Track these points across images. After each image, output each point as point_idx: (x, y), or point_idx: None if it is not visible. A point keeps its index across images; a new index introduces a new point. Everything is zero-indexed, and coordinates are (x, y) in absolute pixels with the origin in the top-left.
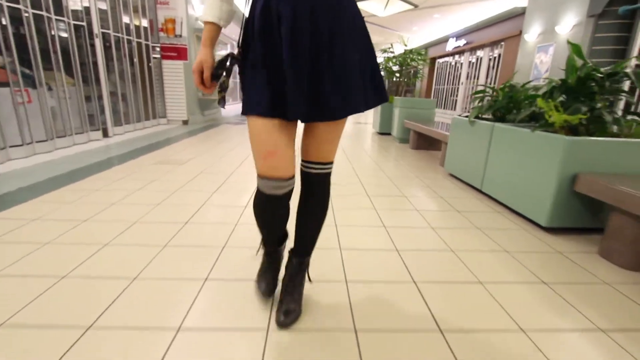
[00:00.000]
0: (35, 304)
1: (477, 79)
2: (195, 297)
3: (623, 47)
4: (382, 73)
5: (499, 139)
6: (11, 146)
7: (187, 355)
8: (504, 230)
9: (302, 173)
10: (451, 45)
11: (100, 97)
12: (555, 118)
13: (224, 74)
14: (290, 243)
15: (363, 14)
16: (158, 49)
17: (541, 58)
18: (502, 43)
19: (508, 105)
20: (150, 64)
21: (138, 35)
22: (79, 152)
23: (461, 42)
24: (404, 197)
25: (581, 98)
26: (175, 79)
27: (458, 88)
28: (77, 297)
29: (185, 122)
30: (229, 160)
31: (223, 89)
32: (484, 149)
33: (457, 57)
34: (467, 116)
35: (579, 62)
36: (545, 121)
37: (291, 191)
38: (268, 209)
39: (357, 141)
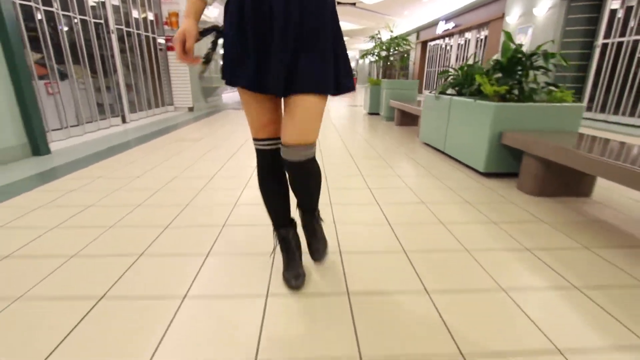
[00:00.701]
0: (87, 248)
1: (467, 60)
2: (214, 239)
3: (593, 27)
4: (373, 58)
5: (455, 109)
6: (53, 130)
7: (194, 320)
8: (455, 178)
9: (286, 164)
10: (441, 28)
11: (117, 88)
12: (487, 89)
13: (210, 46)
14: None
15: (350, 10)
16: (163, 41)
17: (521, 39)
18: (488, 25)
19: (464, 81)
20: (157, 56)
21: (146, 29)
22: (106, 135)
23: (450, 25)
24: (386, 164)
25: (511, 74)
26: (181, 69)
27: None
28: (122, 242)
29: (190, 109)
30: (234, 139)
31: (207, 60)
32: (445, 118)
33: (447, 39)
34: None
35: (512, 46)
36: (482, 92)
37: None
38: (266, 171)
39: (348, 121)
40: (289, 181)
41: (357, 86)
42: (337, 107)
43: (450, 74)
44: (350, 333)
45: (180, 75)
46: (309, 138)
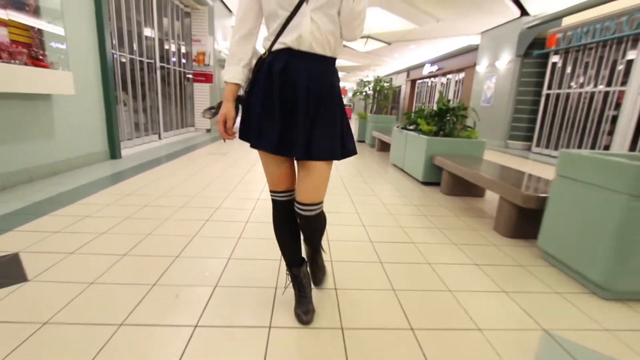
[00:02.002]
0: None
1: (447, 97)
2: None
3: (540, 80)
4: (361, 96)
5: (409, 140)
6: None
7: (205, 348)
8: (405, 185)
9: (299, 216)
10: (427, 69)
11: (157, 111)
12: (424, 128)
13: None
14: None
15: (347, 51)
16: (191, 75)
17: (488, 85)
18: (464, 70)
19: (416, 120)
20: (184, 85)
21: (179, 65)
22: (151, 147)
23: (434, 68)
24: (363, 180)
25: (441, 117)
26: (203, 97)
27: (434, 105)
28: (178, 229)
29: (208, 130)
30: (253, 154)
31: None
32: (403, 145)
33: (432, 79)
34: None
35: (443, 101)
36: (422, 129)
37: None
38: (281, 218)
39: None
40: (300, 226)
41: (353, 116)
42: None
43: (411, 113)
44: None
45: (202, 102)
46: (320, 198)
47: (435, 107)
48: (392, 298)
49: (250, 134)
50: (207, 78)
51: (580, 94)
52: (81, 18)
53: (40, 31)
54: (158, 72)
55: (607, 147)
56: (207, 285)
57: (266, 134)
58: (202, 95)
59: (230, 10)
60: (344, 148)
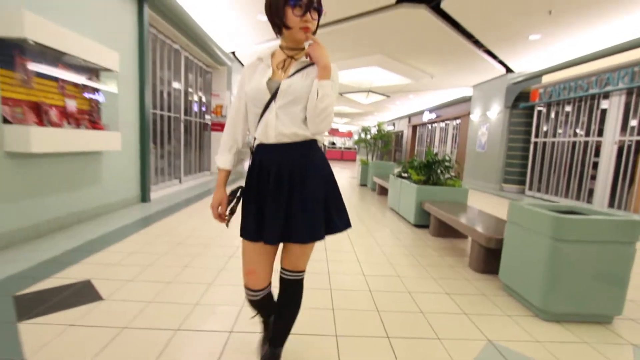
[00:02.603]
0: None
1: (445, 142)
2: None
3: (529, 129)
4: (363, 144)
5: (402, 186)
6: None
7: None
8: (398, 227)
9: (280, 277)
10: (426, 116)
11: (179, 157)
12: (414, 177)
13: (234, 200)
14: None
15: (350, 103)
16: (209, 124)
17: (482, 132)
18: (460, 118)
19: (409, 169)
20: (202, 133)
21: (199, 117)
22: (174, 191)
23: (433, 115)
24: (362, 223)
25: (429, 168)
26: (218, 144)
27: (432, 150)
28: (207, 265)
29: None
30: None
31: (232, 212)
32: (398, 190)
33: (431, 125)
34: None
35: (431, 154)
36: (412, 178)
37: (266, 296)
38: (253, 306)
39: (345, 190)
40: (278, 293)
41: (357, 161)
42: (340, 178)
43: (403, 163)
44: None
45: (217, 148)
46: (302, 267)
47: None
48: (376, 317)
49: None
50: (223, 127)
51: (564, 142)
52: (128, 84)
53: (98, 98)
54: (182, 124)
55: (592, 191)
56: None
57: (245, 223)
58: (218, 142)
59: (243, 66)
60: (329, 224)
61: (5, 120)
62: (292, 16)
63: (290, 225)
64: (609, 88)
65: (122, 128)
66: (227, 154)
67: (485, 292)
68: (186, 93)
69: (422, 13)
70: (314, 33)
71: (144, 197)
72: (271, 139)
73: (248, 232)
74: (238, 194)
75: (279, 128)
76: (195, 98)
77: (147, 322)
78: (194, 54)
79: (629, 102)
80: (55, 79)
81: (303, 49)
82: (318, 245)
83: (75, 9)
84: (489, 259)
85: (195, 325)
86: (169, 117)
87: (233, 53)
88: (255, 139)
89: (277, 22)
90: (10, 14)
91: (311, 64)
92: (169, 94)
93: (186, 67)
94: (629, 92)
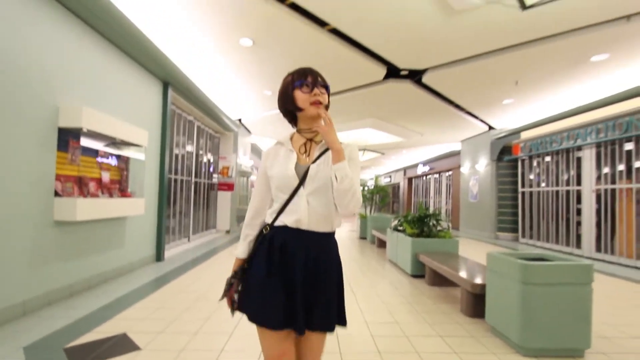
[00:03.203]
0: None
1: (440, 193)
2: None
3: (515, 179)
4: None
5: (399, 239)
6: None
7: None
8: (396, 279)
9: None
10: (420, 169)
11: (188, 217)
12: (408, 230)
13: (236, 280)
14: None
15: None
16: (216, 185)
17: (473, 183)
18: (452, 170)
19: (403, 223)
20: (209, 193)
21: (207, 178)
22: (185, 249)
23: (427, 168)
24: (363, 274)
25: (421, 222)
26: (224, 203)
27: (427, 201)
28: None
29: (227, 232)
30: None
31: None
32: (395, 243)
33: (426, 176)
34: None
35: (422, 209)
36: (406, 231)
37: None
38: None
39: (345, 243)
40: None
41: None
42: (340, 232)
43: (398, 217)
44: None
45: (223, 207)
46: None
47: (418, 213)
48: (378, 358)
49: (250, 306)
50: (229, 187)
51: (548, 191)
52: (151, 154)
53: (127, 170)
54: (192, 186)
55: (580, 237)
56: None
57: (267, 310)
58: (224, 200)
59: (249, 131)
60: (339, 318)
61: (56, 194)
62: (302, 95)
63: (314, 313)
64: (579, 143)
65: (144, 194)
66: (244, 242)
67: (474, 334)
68: (197, 157)
69: (407, 86)
70: (327, 108)
71: (159, 256)
72: (302, 226)
73: (273, 321)
74: (240, 275)
75: (311, 215)
76: (205, 160)
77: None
78: (205, 122)
79: (599, 154)
80: (95, 155)
81: (313, 130)
82: None
83: (116, 96)
84: (477, 303)
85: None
86: (181, 180)
87: (239, 120)
88: (274, 220)
89: (290, 107)
90: (73, 109)
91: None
92: (182, 158)
93: (197, 134)
94: (598, 146)
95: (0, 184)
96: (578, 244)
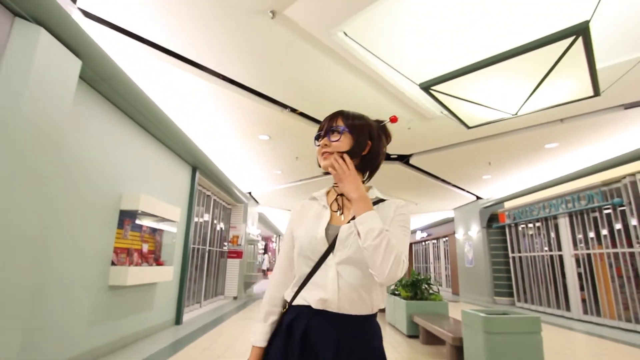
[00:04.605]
0: None
1: (439, 259)
2: None
3: (504, 245)
4: None
5: (395, 302)
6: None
7: None
8: (394, 339)
9: None
10: (419, 235)
11: (201, 283)
12: (403, 294)
13: None
14: None
15: None
16: (226, 252)
17: (467, 249)
18: (448, 236)
19: (398, 288)
20: (219, 261)
21: (218, 247)
22: (198, 314)
23: (425, 234)
24: None
25: (414, 286)
26: (233, 270)
27: (428, 266)
28: None
29: (235, 298)
30: None
31: None
32: (392, 306)
33: (425, 242)
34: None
35: (414, 274)
36: (401, 295)
37: None
38: None
39: None
40: None
41: None
42: None
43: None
44: None
45: (231, 274)
46: None
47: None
48: None
49: None
50: (238, 254)
51: (535, 256)
52: (178, 227)
53: (161, 241)
54: (206, 254)
55: (568, 299)
56: None
57: None
58: (233, 267)
59: (257, 202)
60: None
61: (112, 263)
62: (317, 149)
63: None
64: (554, 212)
65: (172, 262)
66: (263, 324)
67: None
68: (211, 227)
69: (398, 166)
70: (353, 155)
71: (178, 320)
72: (330, 305)
73: None
74: None
75: (342, 291)
76: (217, 229)
77: None
78: (220, 196)
79: (572, 223)
80: (139, 230)
81: None
82: None
83: (159, 181)
84: (459, 355)
85: None
86: (198, 250)
87: (249, 193)
88: (294, 295)
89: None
90: (132, 195)
91: (378, 201)
92: (198, 228)
93: (213, 207)
94: (570, 215)
95: (73, 256)
96: (568, 307)
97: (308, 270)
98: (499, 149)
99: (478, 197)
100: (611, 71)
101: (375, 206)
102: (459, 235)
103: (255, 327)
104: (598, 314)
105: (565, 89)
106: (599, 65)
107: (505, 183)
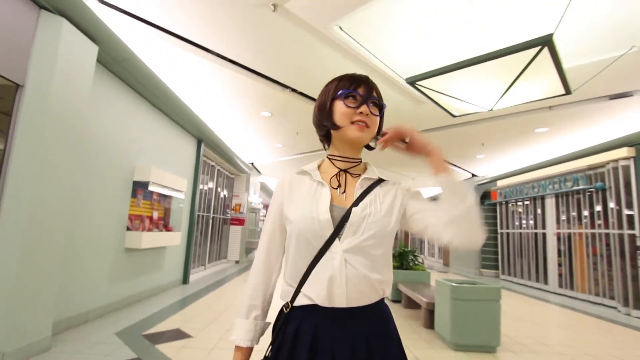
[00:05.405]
0: None
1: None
2: None
3: (495, 221)
4: None
5: None
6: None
7: None
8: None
9: None
10: None
11: (205, 248)
12: None
13: None
14: None
15: None
16: (229, 219)
17: None
18: None
19: None
20: (222, 227)
21: (222, 214)
22: (204, 275)
23: None
24: None
25: (401, 256)
26: (235, 236)
27: (423, 239)
28: None
29: (237, 262)
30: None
31: None
32: None
33: None
34: None
35: (402, 246)
36: None
37: None
38: None
39: None
40: None
41: None
42: None
43: None
44: None
45: (234, 239)
46: None
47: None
48: None
49: None
50: (240, 222)
51: (521, 233)
52: (186, 197)
53: (169, 209)
54: (210, 221)
55: (547, 273)
56: None
57: None
58: (235, 234)
59: (259, 172)
60: None
61: (127, 228)
62: (343, 109)
63: None
64: (542, 192)
65: (179, 227)
66: (244, 320)
67: (426, 339)
68: (215, 195)
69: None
70: (378, 138)
71: (185, 279)
72: (338, 300)
73: None
74: None
75: (351, 283)
76: (220, 197)
77: (223, 345)
78: (223, 166)
79: (558, 203)
80: (150, 199)
81: (360, 160)
82: None
83: (168, 154)
84: (431, 318)
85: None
86: (202, 216)
87: (252, 163)
88: (296, 292)
89: (326, 122)
90: (144, 167)
91: (379, 181)
92: (202, 196)
93: (217, 176)
94: (556, 196)
95: (96, 221)
96: (546, 281)
97: (309, 259)
98: (492, 131)
99: (473, 175)
100: (585, 69)
101: (379, 186)
102: None
103: (236, 324)
104: (572, 287)
105: (538, 87)
106: (572, 64)
107: (499, 163)
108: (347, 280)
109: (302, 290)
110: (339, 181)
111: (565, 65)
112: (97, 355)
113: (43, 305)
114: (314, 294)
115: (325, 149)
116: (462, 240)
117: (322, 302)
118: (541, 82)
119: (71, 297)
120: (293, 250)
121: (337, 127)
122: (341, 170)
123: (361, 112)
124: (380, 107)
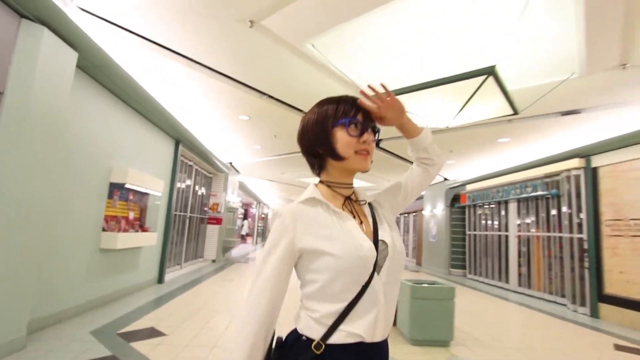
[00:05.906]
0: None
1: (408, 232)
2: None
3: (463, 223)
4: None
5: None
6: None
7: None
8: None
9: None
10: None
11: (181, 247)
12: None
13: None
14: None
15: None
16: (206, 219)
17: (432, 225)
18: (416, 212)
19: None
20: (199, 227)
21: (200, 213)
22: (179, 274)
23: None
24: None
25: None
26: (213, 235)
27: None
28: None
29: (213, 261)
30: (250, 279)
31: None
32: None
33: (398, 216)
34: None
35: None
36: None
37: None
38: None
39: None
40: None
41: None
42: None
43: None
44: None
45: (211, 238)
46: None
47: None
48: None
49: None
50: (217, 221)
51: (487, 235)
52: (163, 197)
53: (146, 209)
54: (187, 220)
55: (508, 273)
56: None
57: None
58: (212, 233)
59: (238, 172)
60: None
61: (103, 229)
62: (346, 138)
63: None
64: (505, 197)
65: (156, 227)
66: None
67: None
68: (192, 194)
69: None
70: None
71: (161, 279)
72: (379, 334)
73: None
74: None
75: (389, 313)
76: (198, 196)
77: (197, 343)
78: (201, 166)
79: (519, 208)
80: (126, 199)
81: (351, 184)
82: None
83: (145, 155)
84: (394, 316)
85: (224, 344)
86: (178, 215)
87: (230, 163)
88: (331, 329)
89: (324, 149)
90: (121, 169)
91: (367, 202)
92: (179, 195)
93: (195, 175)
94: (518, 201)
95: (71, 222)
96: (507, 280)
97: (350, 295)
98: (458, 140)
99: (445, 179)
100: (533, 91)
101: (372, 208)
102: (426, 212)
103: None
104: (529, 286)
105: (488, 108)
106: (520, 87)
107: (468, 168)
108: (385, 312)
109: (342, 327)
110: (350, 210)
111: (514, 87)
112: (72, 353)
113: (19, 305)
114: (361, 330)
115: (316, 175)
116: (435, 162)
117: (369, 338)
118: (490, 104)
119: (46, 296)
120: (325, 285)
121: (340, 158)
122: (345, 197)
123: (364, 141)
124: (375, 131)
